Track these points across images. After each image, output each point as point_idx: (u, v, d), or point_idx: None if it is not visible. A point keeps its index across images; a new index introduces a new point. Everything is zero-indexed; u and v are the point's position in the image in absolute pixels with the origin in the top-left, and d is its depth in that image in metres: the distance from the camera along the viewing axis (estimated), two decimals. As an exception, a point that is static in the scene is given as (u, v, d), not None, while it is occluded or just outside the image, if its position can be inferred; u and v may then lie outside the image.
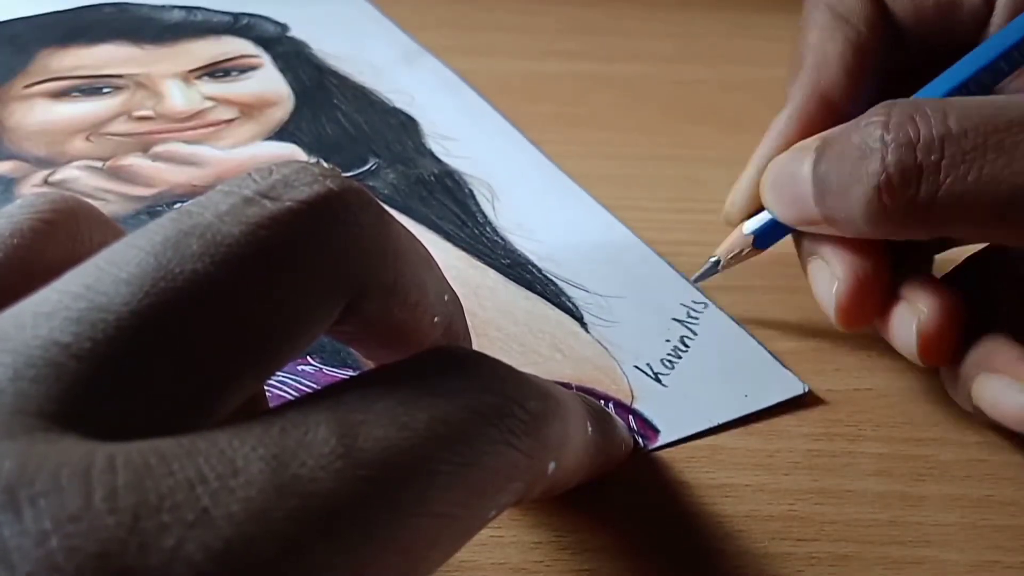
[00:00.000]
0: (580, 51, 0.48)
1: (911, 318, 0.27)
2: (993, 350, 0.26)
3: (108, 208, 0.36)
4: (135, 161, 0.39)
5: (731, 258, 0.31)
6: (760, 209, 0.30)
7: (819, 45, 0.30)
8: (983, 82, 0.28)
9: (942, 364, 0.27)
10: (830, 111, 0.29)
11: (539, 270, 0.34)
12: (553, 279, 0.33)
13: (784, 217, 0.29)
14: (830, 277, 0.28)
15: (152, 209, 0.36)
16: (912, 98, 0.26)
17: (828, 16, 0.30)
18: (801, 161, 0.27)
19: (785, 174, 0.28)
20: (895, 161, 0.25)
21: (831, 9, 0.30)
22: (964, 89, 0.28)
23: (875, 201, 0.25)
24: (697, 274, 0.32)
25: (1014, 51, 0.27)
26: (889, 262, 0.28)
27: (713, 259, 0.31)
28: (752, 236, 0.30)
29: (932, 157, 0.24)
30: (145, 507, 0.13)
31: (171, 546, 0.13)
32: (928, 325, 0.27)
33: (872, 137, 0.25)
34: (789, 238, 0.30)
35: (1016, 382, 0.25)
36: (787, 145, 0.29)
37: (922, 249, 0.30)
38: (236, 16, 0.49)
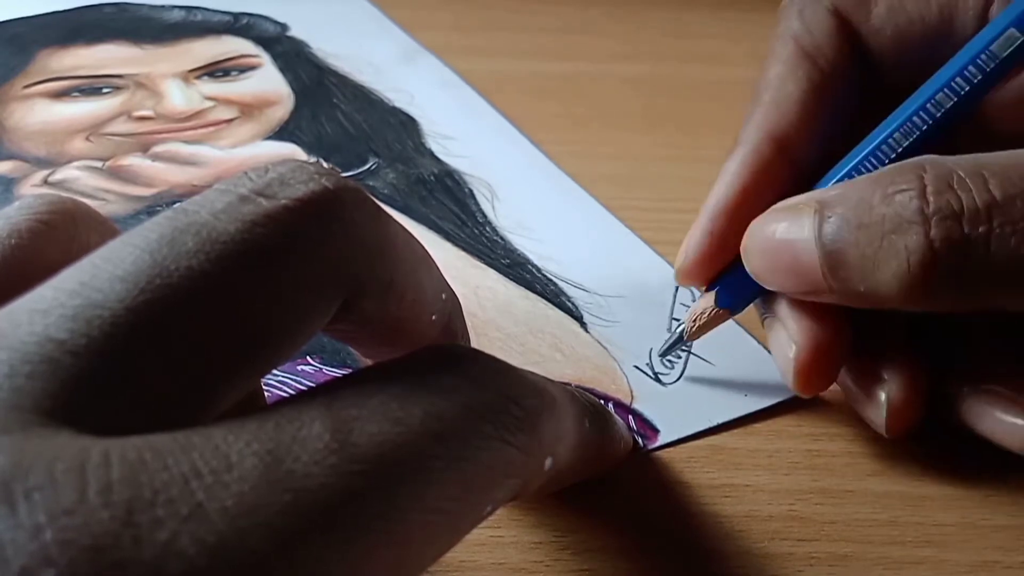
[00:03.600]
0: (580, 51, 0.48)
1: (878, 391, 0.26)
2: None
3: (108, 208, 0.36)
4: (135, 161, 0.39)
5: (699, 328, 0.28)
6: (721, 263, 0.28)
7: (779, 83, 0.28)
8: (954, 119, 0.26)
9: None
10: (784, 155, 0.27)
11: (539, 270, 0.34)
12: (553, 279, 0.33)
13: (779, 287, 0.26)
14: (787, 340, 0.26)
15: (152, 209, 0.36)
16: (937, 159, 0.24)
17: (792, 51, 0.28)
18: (798, 226, 0.25)
19: (778, 240, 0.25)
20: (942, 237, 0.23)
21: (797, 43, 0.28)
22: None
23: (917, 277, 0.23)
24: (662, 348, 0.29)
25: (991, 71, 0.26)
26: (849, 326, 0.26)
27: (679, 329, 0.29)
28: (727, 310, 0.28)
29: (980, 229, 0.23)
30: (139, 501, 0.13)
31: (165, 540, 0.13)
32: (894, 401, 0.26)
33: (908, 208, 0.23)
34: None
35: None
36: (742, 192, 0.27)
37: None
38: (236, 16, 0.49)
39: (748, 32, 0.49)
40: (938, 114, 0.26)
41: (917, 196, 0.23)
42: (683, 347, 0.29)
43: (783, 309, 0.27)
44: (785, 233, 0.25)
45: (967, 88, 0.26)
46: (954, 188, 0.23)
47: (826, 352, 0.26)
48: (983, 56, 0.26)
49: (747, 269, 0.27)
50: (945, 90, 0.26)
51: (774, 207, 0.26)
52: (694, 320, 0.28)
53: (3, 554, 0.13)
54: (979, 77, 0.26)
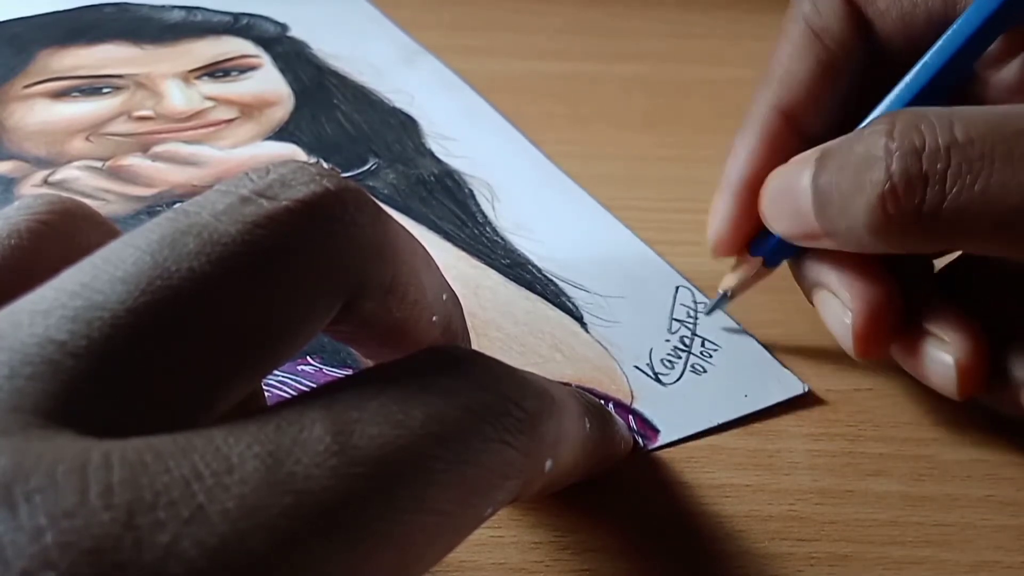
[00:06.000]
0: (580, 51, 0.48)
1: (943, 355, 0.26)
2: None
3: (108, 208, 0.36)
4: (135, 161, 0.39)
5: (740, 285, 0.30)
6: (750, 233, 0.29)
7: (787, 61, 0.29)
8: (951, 78, 0.27)
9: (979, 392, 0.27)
10: (793, 129, 0.29)
11: (539, 270, 0.34)
12: (553, 279, 0.33)
13: (784, 232, 0.28)
14: (841, 308, 0.27)
15: (152, 209, 0.36)
16: (915, 107, 0.25)
17: (802, 32, 0.29)
18: (800, 174, 0.27)
19: (784, 188, 0.27)
20: (900, 170, 0.24)
21: (807, 23, 0.29)
22: (931, 90, 0.27)
23: (879, 211, 0.24)
24: (708, 307, 0.31)
25: (974, 41, 0.27)
26: (898, 285, 0.27)
27: (721, 292, 0.30)
28: (761, 259, 0.29)
29: (938, 166, 0.23)
30: (140, 503, 0.13)
31: (166, 542, 0.13)
32: (963, 361, 0.26)
33: (876, 146, 0.24)
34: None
35: None
36: (757, 164, 0.29)
37: (921, 259, 0.29)
38: (236, 16, 0.49)
39: (748, 32, 0.49)
40: (941, 64, 0.27)
41: (885, 134, 0.24)
42: (722, 305, 0.31)
43: (832, 279, 0.28)
44: (790, 179, 0.27)
45: (963, 39, 0.27)
46: (920, 129, 0.24)
47: (882, 314, 0.27)
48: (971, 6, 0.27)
49: (762, 217, 0.28)
50: (945, 39, 0.27)
51: (791, 160, 0.28)
52: (737, 281, 0.30)
53: (4, 556, 0.13)
54: (972, 23, 0.27)
